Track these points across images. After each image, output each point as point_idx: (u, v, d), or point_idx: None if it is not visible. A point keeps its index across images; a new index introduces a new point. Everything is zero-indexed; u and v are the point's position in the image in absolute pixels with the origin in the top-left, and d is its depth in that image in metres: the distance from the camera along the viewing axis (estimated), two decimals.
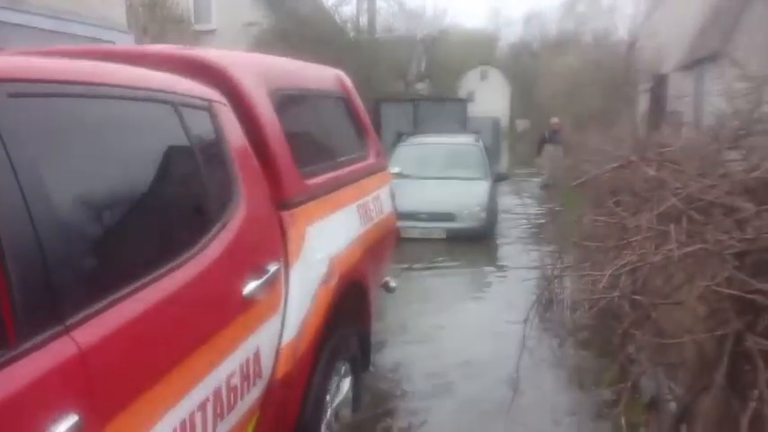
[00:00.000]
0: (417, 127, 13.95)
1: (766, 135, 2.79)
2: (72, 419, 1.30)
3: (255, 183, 2.41)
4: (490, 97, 36.73)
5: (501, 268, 7.79)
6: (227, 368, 2.00)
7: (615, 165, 3.11)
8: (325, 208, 2.97)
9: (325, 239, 2.82)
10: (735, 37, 11.54)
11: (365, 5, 18.12)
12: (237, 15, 16.42)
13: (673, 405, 3.27)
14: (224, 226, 2.12)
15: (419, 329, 5.27)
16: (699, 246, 2.10)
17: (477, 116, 20.62)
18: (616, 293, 2.49)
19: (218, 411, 1.93)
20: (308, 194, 2.79)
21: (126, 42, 5.92)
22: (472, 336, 5.12)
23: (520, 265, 7.08)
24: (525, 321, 3.31)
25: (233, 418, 2.05)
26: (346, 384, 3.12)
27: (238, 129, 2.40)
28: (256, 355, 2.21)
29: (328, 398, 2.84)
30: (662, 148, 3.02)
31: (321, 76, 3.80)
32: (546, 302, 4.95)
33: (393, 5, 22.38)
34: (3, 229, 1.28)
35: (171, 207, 2.06)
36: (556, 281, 4.14)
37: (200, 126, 2.18)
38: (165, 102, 2.04)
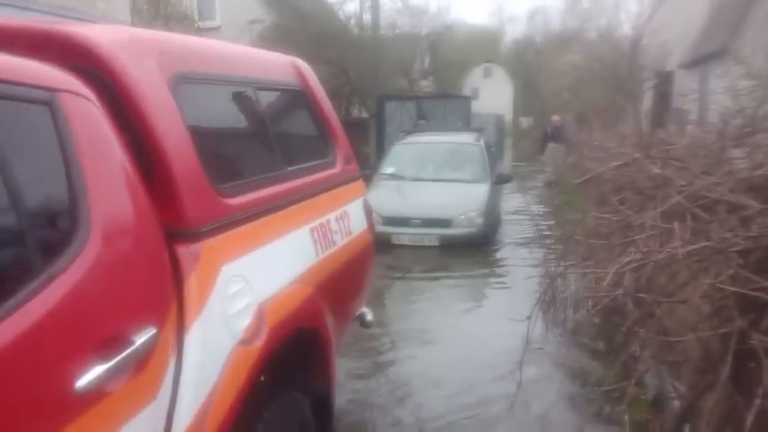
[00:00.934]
0: (421, 124, 13.95)
1: None
2: None
3: (123, 206, 1.71)
4: (494, 94, 36.73)
5: (498, 276, 7.32)
6: None
7: (619, 162, 3.10)
8: (256, 236, 2.25)
9: (254, 280, 2.13)
10: (740, 34, 11.48)
11: (369, 2, 18.07)
12: (241, 12, 16.44)
13: (676, 403, 3.27)
14: (50, 279, 1.40)
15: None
16: (703, 244, 2.10)
17: (481, 113, 20.63)
18: (620, 291, 2.49)
19: None
20: (227, 219, 2.08)
21: None
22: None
23: (522, 267, 7.05)
24: (528, 318, 3.31)
25: None
26: None
27: (102, 129, 1.72)
28: None
29: None
30: (666, 145, 3.01)
31: (267, 63, 3.00)
32: (549, 301, 4.95)
33: (397, 2, 22.38)
34: None
35: None
36: (559, 279, 4.13)
37: (28, 126, 1.54)
38: None
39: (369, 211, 3.57)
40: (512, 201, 11.62)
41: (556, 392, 3.99)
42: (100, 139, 1.72)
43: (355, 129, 15.50)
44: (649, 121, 4.14)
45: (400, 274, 6.88)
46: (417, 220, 8.04)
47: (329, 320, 2.65)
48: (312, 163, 3.00)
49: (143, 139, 1.89)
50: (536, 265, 6.13)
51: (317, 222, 2.78)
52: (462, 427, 3.59)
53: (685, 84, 13.18)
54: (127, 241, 1.71)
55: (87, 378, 1.43)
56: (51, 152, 1.56)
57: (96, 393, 1.47)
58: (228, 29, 16.22)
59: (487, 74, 40.99)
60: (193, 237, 1.92)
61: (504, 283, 6.98)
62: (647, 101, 11.65)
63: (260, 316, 2.09)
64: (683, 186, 2.42)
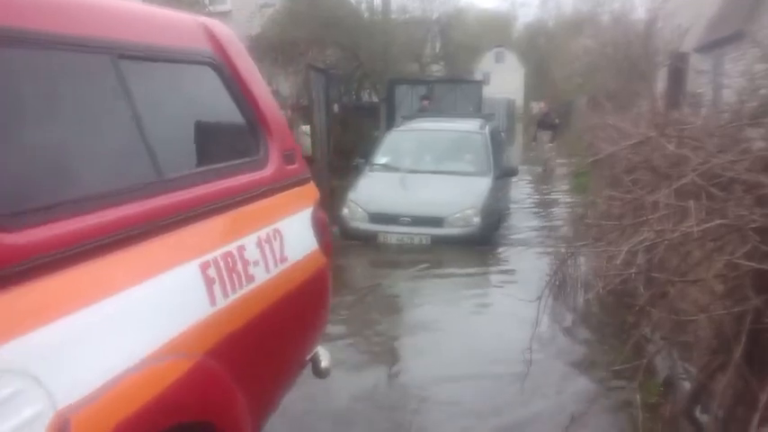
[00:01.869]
0: (425, 106, 13.72)
1: None
2: None
3: None
4: (505, 79, 36.48)
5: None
6: None
7: (634, 141, 3.06)
8: (68, 293, 1.41)
9: (53, 372, 1.32)
10: (756, 17, 11.30)
11: None
12: None
13: (687, 385, 3.26)
14: None
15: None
16: (719, 221, 2.08)
17: (492, 98, 20.51)
18: (633, 270, 2.47)
19: None
20: (9, 268, 1.28)
21: None
22: None
23: (531, 253, 6.99)
24: (539, 299, 3.30)
25: None
26: None
27: None
28: None
29: None
30: (682, 125, 2.98)
31: (150, 22, 2.09)
32: (559, 283, 4.93)
33: None
34: None
35: None
36: (569, 260, 4.11)
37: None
38: None
39: (322, 225, 2.69)
40: (521, 191, 11.41)
41: (564, 374, 4.00)
42: None
43: (366, 113, 15.46)
44: (664, 102, 4.10)
45: (374, 284, 5.97)
46: (407, 218, 7.22)
47: (241, 400, 1.86)
48: (221, 165, 2.16)
49: None
50: (548, 252, 6.08)
51: (216, 253, 1.92)
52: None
53: (699, 68, 13.00)
54: None
55: None
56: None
57: None
58: (239, 13, 16.16)
59: (499, 58, 40.71)
60: None
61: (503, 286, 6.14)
62: (661, 84, 11.54)
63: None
64: (699, 164, 2.40)
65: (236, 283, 2.00)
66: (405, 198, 7.53)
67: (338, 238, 7.28)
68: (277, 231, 2.32)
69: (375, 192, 7.80)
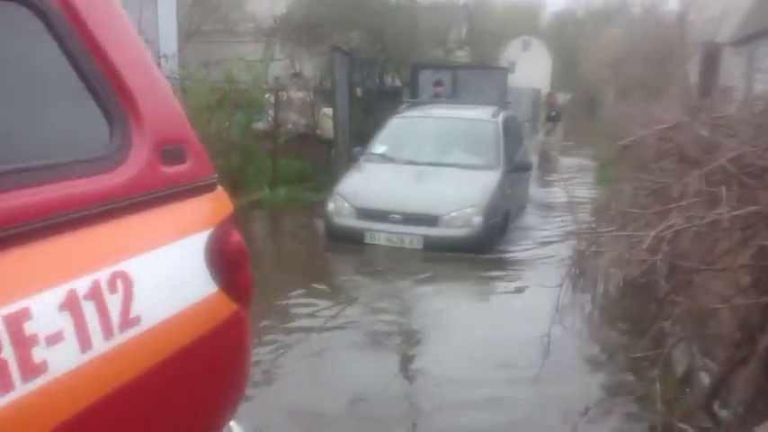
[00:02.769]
0: (456, 95, 13.57)
1: None
2: None
3: None
4: (531, 68, 36.00)
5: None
6: None
7: (666, 125, 2.99)
8: None
9: None
10: None
11: None
12: None
13: (706, 380, 3.21)
14: None
15: None
16: (751, 208, 2.02)
17: (517, 87, 20.30)
18: (659, 257, 2.42)
19: None
20: None
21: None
22: None
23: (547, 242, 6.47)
24: (559, 286, 3.26)
25: None
26: None
27: None
28: None
29: None
30: (715, 112, 2.91)
31: None
32: (579, 273, 4.87)
33: None
34: None
35: None
36: (591, 248, 4.04)
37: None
38: None
39: (231, 255, 1.78)
40: (538, 188, 10.48)
41: (583, 365, 3.96)
42: None
43: (388, 97, 15.38)
44: (697, 90, 4.00)
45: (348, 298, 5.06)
46: (397, 216, 6.34)
47: None
48: (21, 165, 1.27)
49: None
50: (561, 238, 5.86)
51: None
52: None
53: (731, 62, 12.74)
54: None
55: None
56: None
57: None
58: None
59: (526, 47, 40.16)
60: None
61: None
62: (693, 74, 11.34)
63: None
64: (731, 151, 2.33)
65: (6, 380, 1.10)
66: (397, 193, 6.67)
67: (322, 235, 6.87)
68: (120, 276, 1.40)
69: (365, 185, 6.98)
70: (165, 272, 1.57)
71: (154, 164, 1.60)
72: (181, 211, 1.70)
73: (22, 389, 1.13)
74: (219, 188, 1.87)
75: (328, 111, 10.81)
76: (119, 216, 1.47)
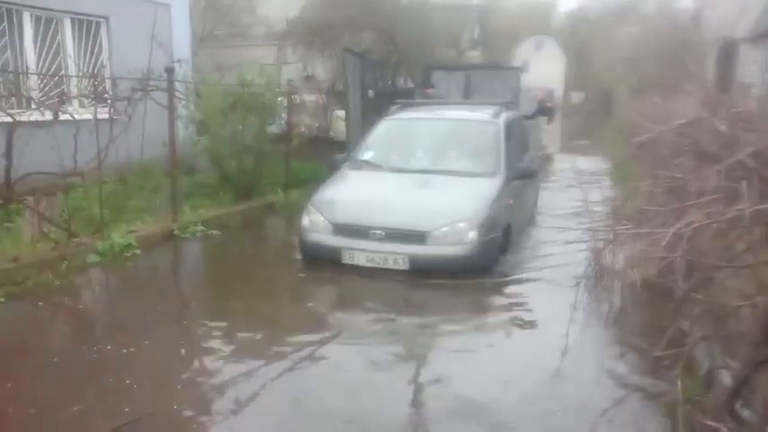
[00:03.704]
0: (469, 95, 13.52)
1: None
2: None
3: None
4: (545, 67, 35.79)
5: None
6: None
7: (685, 121, 2.94)
8: None
9: None
10: None
11: None
12: None
13: (728, 380, 3.16)
14: None
15: None
16: None
17: (530, 87, 20.17)
18: (678, 254, 2.38)
19: None
20: None
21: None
22: None
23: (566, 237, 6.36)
24: (577, 285, 3.23)
25: None
26: None
27: None
28: None
29: None
30: (734, 108, 2.86)
31: None
32: (597, 274, 4.80)
33: None
34: None
35: None
36: (608, 248, 3.98)
37: None
38: None
39: None
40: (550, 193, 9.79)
41: (601, 366, 3.91)
42: None
43: (401, 98, 15.37)
44: (714, 86, 3.95)
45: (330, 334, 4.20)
46: (379, 232, 5.51)
47: None
48: None
49: None
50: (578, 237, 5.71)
51: None
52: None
53: (747, 60, 12.60)
54: None
55: None
56: None
57: None
58: None
59: (539, 46, 39.92)
60: None
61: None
62: (710, 72, 11.22)
63: None
64: (751, 146, 2.29)
65: None
66: (380, 205, 5.78)
67: (297, 254, 6.05)
68: None
69: (344, 196, 6.15)
70: None
71: None
72: None
73: None
74: None
75: (341, 113, 10.84)
76: None
